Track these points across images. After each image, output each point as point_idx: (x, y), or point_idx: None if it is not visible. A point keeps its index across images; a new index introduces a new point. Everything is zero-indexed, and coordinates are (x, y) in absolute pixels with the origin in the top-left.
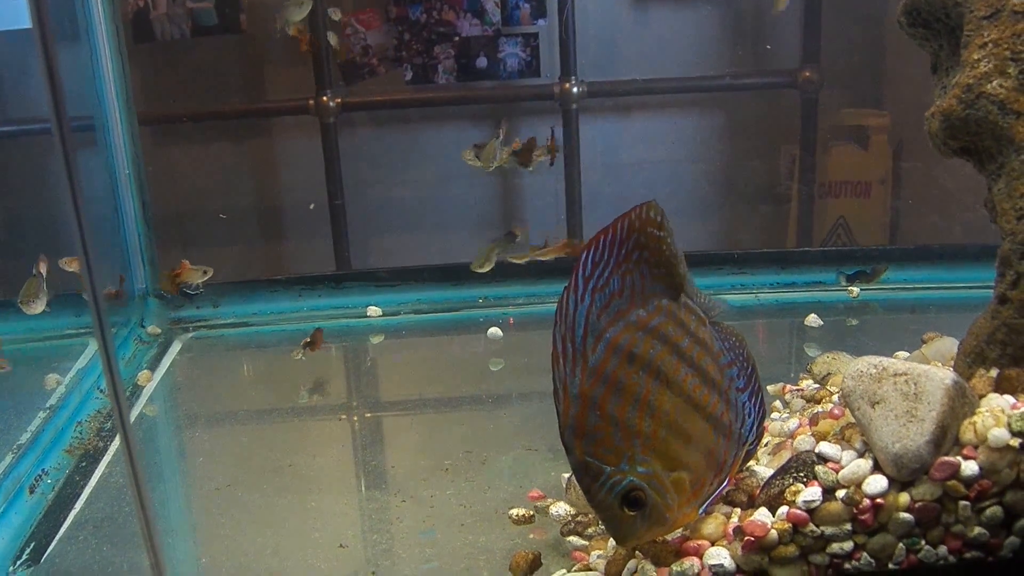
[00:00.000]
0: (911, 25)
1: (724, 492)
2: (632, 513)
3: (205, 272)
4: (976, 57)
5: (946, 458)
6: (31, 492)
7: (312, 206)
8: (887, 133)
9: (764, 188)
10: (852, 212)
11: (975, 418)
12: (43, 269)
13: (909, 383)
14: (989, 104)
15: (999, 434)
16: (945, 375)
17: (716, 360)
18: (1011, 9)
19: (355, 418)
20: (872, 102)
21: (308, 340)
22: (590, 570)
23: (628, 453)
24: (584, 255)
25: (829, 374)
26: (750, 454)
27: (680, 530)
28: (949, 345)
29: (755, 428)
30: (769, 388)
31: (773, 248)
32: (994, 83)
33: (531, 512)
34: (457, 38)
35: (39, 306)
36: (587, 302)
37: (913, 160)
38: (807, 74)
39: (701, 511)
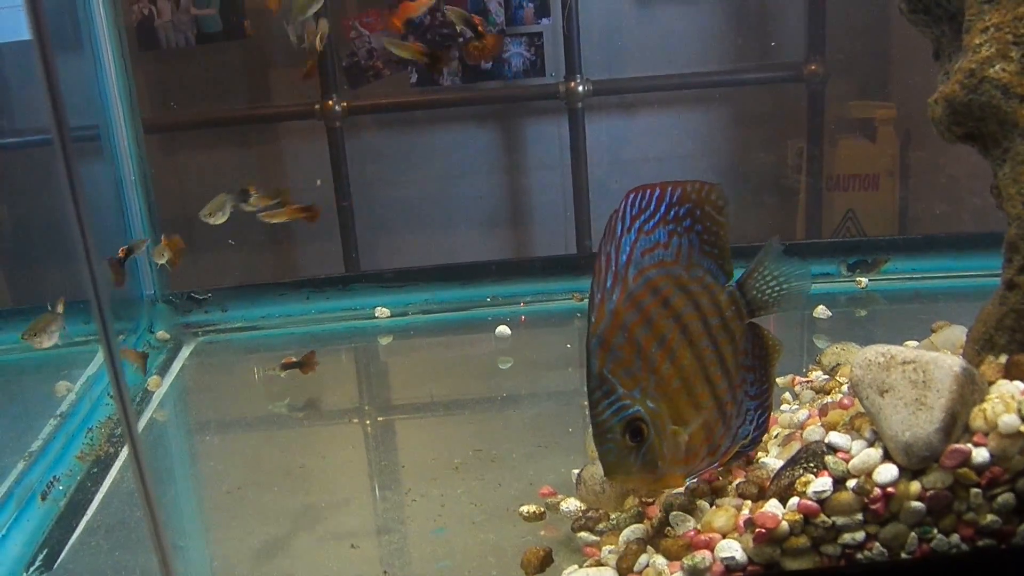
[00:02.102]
0: (912, 11)
1: (712, 474)
2: (631, 444)
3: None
4: (978, 42)
5: (956, 445)
6: (43, 499)
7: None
8: (894, 124)
9: (772, 182)
10: (861, 204)
11: (985, 405)
12: (60, 309)
13: (918, 371)
14: (992, 89)
15: (1009, 420)
16: (954, 362)
17: (737, 356)
18: None
19: (365, 419)
20: (878, 93)
21: (292, 360)
22: (602, 565)
23: (643, 385)
24: (629, 196)
25: (838, 365)
26: (742, 452)
27: (692, 524)
28: (958, 333)
29: (751, 434)
30: (779, 380)
31: (783, 240)
32: (997, 67)
33: (542, 509)
34: (461, 39)
35: (47, 341)
36: (632, 236)
37: (921, 150)
38: (813, 67)
39: (688, 481)
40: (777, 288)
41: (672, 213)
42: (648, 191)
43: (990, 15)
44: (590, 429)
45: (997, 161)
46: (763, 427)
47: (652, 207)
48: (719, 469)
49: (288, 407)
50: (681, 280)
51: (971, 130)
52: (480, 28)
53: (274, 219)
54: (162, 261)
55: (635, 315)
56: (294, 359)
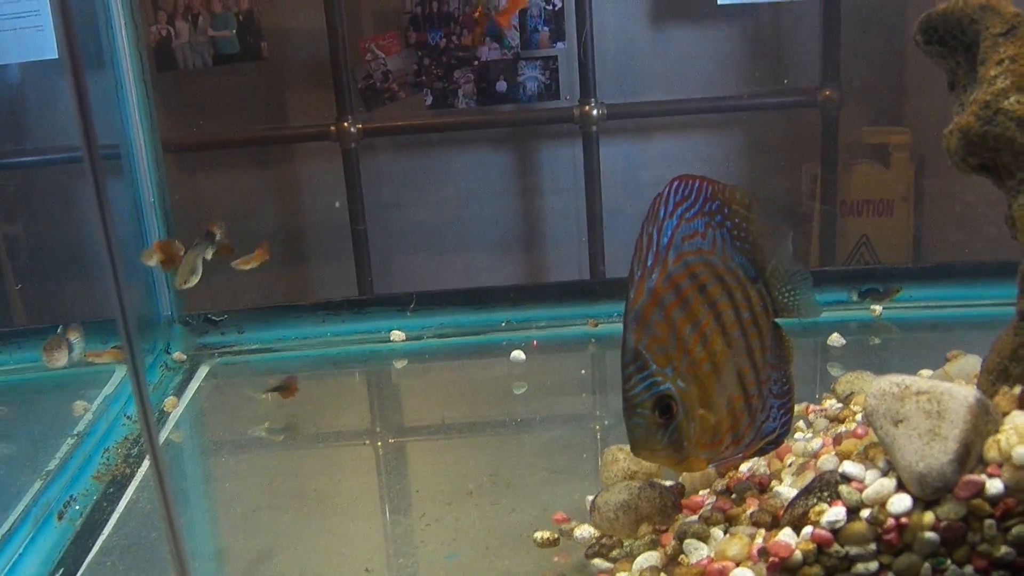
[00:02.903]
0: (927, 42)
1: (736, 462)
2: (659, 420)
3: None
4: (993, 74)
5: (970, 476)
6: (59, 518)
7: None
8: (909, 150)
9: (785, 207)
10: (875, 230)
11: (999, 436)
12: (72, 336)
13: (932, 401)
14: (1007, 120)
15: (1023, 452)
16: (968, 393)
17: (764, 352)
18: None
19: (379, 442)
20: (893, 119)
21: (278, 385)
22: None
23: (675, 364)
24: (673, 183)
25: (852, 393)
26: (766, 450)
27: (706, 552)
28: (973, 363)
29: (777, 430)
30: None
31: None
32: (1012, 99)
33: (556, 535)
34: (477, 62)
35: (61, 359)
36: (674, 222)
37: (936, 177)
38: (827, 92)
39: (710, 466)
40: (791, 293)
41: (707, 207)
42: (691, 181)
43: (1005, 47)
44: (604, 455)
45: (1012, 192)
46: (786, 426)
47: (693, 197)
48: (741, 459)
49: (303, 431)
50: (717, 270)
51: (985, 161)
52: None
53: (246, 266)
54: (151, 263)
55: (672, 296)
56: (276, 382)
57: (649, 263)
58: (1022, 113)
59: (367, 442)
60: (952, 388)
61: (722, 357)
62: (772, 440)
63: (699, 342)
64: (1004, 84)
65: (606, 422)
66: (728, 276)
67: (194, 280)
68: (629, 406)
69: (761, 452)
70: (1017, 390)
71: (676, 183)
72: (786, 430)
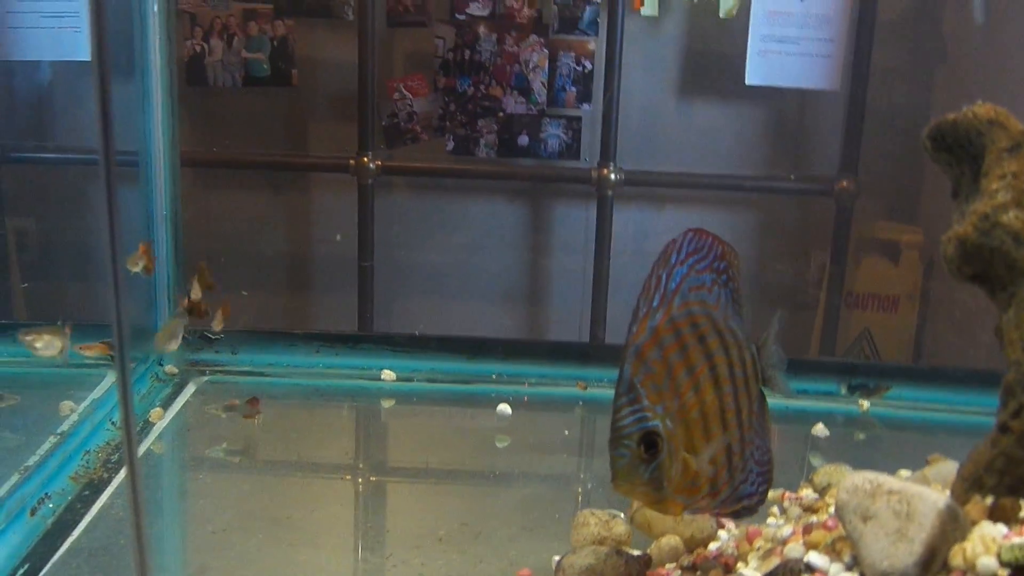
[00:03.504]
0: (936, 149)
1: (710, 516)
2: (644, 455)
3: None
4: (995, 187)
5: None
6: (32, 514)
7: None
8: (919, 250)
9: (790, 293)
10: (878, 325)
11: (966, 544)
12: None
13: (902, 502)
14: (1004, 234)
15: (987, 562)
16: (939, 498)
17: (751, 415)
18: None
19: (357, 478)
20: (907, 218)
21: (235, 403)
22: None
23: (666, 403)
24: (688, 234)
25: (829, 485)
26: (740, 515)
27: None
28: (952, 468)
29: (755, 494)
30: (769, 494)
31: (793, 355)
32: (1011, 214)
33: None
34: (501, 114)
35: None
36: (684, 270)
37: (942, 279)
38: (844, 183)
39: (685, 512)
40: (770, 369)
41: (717, 264)
42: (705, 236)
43: (1009, 163)
44: (576, 517)
45: (1003, 304)
46: (763, 495)
47: (705, 251)
48: (715, 514)
49: (283, 458)
50: (718, 325)
51: (980, 272)
52: None
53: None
54: (136, 269)
55: (673, 339)
56: (237, 402)
57: (655, 303)
58: (1019, 228)
59: (345, 476)
60: (924, 491)
61: (711, 407)
62: (748, 506)
63: (692, 388)
64: (1005, 198)
65: (585, 485)
66: (727, 334)
67: (173, 346)
68: (616, 437)
69: (736, 515)
70: (989, 500)
71: (691, 234)
72: (762, 499)
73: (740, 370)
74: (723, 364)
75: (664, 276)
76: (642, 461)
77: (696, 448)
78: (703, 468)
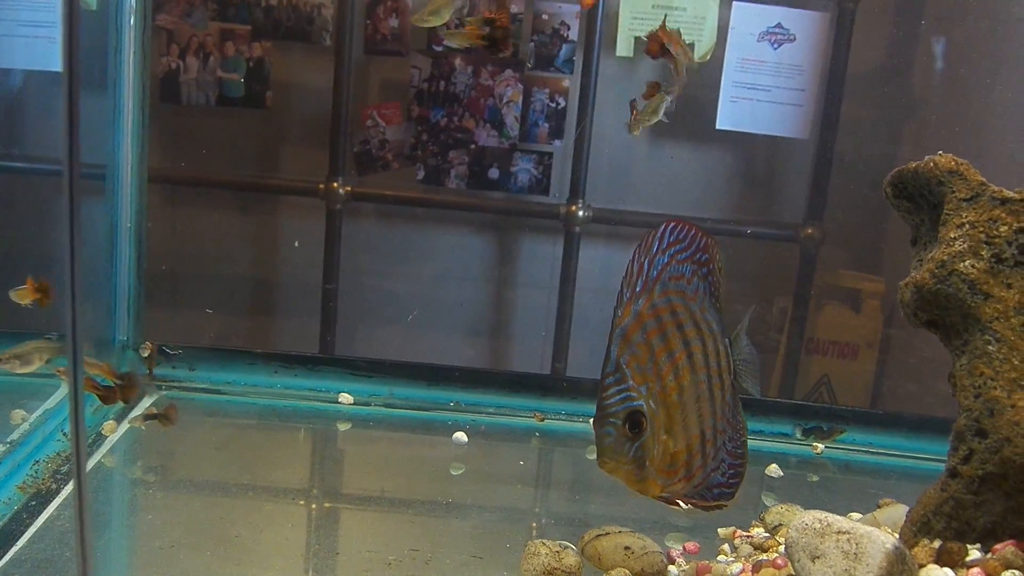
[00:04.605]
0: (896, 196)
1: (680, 503)
2: (629, 433)
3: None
4: (953, 235)
5: None
6: None
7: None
8: (881, 299)
9: (751, 336)
10: (837, 372)
11: None
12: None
13: (851, 542)
14: (960, 282)
15: None
16: (887, 539)
17: (724, 405)
18: (990, 195)
19: (310, 501)
20: (870, 267)
21: (155, 412)
22: None
23: (649, 385)
24: (669, 224)
25: (780, 525)
26: (711, 503)
27: None
28: (902, 512)
29: (723, 488)
30: (720, 531)
31: (748, 395)
32: (967, 263)
33: None
34: (473, 146)
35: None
36: (665, 259)
37: (902, 329)
38: (809, 231)
39: (660, 493)
40: (741, 365)
41: (698, 256)
42: (687, 228)
43: (967, 212)
44: (527, 547)
45: (956, 351)
46: (734, 488)
47: (687, 243)
48: (687, 501)
49: (236, 476)
50: (695, 316)
51: (935, 318)
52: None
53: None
54: (26, 302)
55: (654, 323)
56: (155, 411)
57: (638, 288)
58: (975, 277)
59: (297, 498)
60: (872, 532)
61: (689, 392)
62: (720, 497)
63: (672, 372)
64: (961, 247)
65: (538, 515)
66: (703, 325)
67: (23, 368)
68: (602, 415)
69: (708, 508)
70: (936, 544)
71: (673, 224)
72: (733, 491)
73: (715, 361)
74: (699, 353)
75: (646, 263)
76: (628, 440)
77: (675, 430)
78: (680, 451)
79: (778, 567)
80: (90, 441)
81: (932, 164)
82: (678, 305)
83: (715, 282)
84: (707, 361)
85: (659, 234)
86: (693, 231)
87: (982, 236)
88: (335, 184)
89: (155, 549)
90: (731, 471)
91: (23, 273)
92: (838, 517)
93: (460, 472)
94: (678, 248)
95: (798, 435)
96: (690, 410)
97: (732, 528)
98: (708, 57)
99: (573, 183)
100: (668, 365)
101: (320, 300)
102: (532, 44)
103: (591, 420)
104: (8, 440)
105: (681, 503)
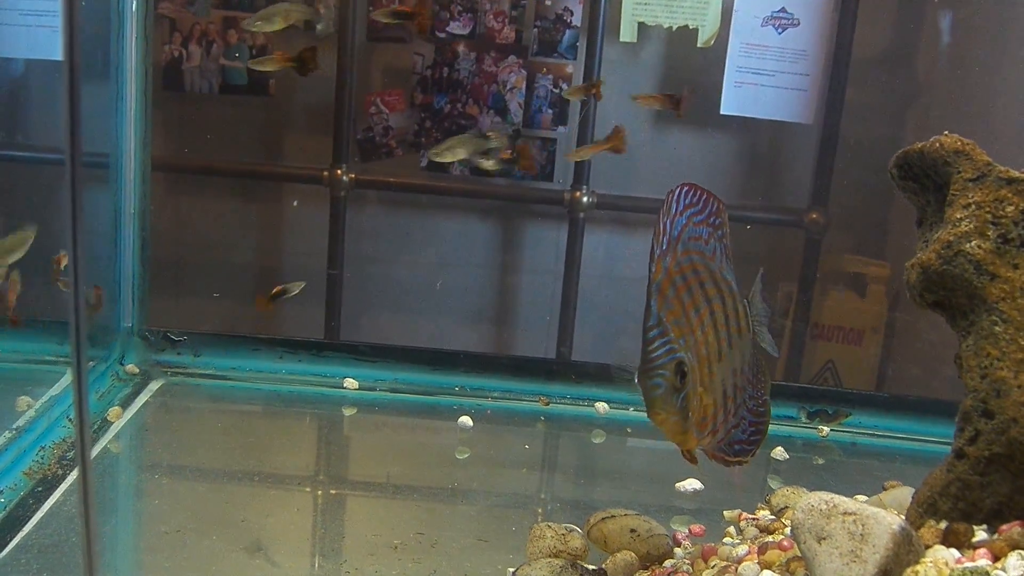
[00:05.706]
0: (903, 178)
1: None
2: (678, 384)
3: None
4: (959, 216)
5: None
6: None
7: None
8: (886, 283)
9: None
10: (842, 357)
11: (918, 567)
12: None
13: (857, 523)
14: (966, 263)
15: None
16: (893, 520)
17: (744, 363)
18: (996, 175)
19: (316, 486)
20: (875, 252)
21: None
22: None
23: (686, 338)
24: (682, 187)
25: (786, 507)
26: (733, 459)
27: None
28: (908, 495)
29: (743, 444)
30: (726, 514)
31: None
32: (973, 243)
33: None
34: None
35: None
36: (683, 220)
37: (907, 313)
38: (814, 216)
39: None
40: (758, 322)
41: (713, 220)
42: (700, 191)
43: (973, 193)
44: (533, 530)
45: (962, 333)
46: (754, 443)
47: (701, 205)
48: (715, 455)
49: (241, 462)
50: (715, 275)
51: (941, 299)
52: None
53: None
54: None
55: (681, 280)
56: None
57: (665, 246)
58: (981, 257)
59: (303, 484)
60: (879, 513)
61: (713, 348)
62: (741, 453)
63: (700, 326)
64: (968, 227)
65: (543, 498)
66: (723, 284)
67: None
68: (650, 367)
69: (728, 464)
70: (943, 525)
71: (686, 188)
72: (753, 448)
73: (734, 320)
74: (720, 311)
75: (668, 224)
76: (676, 390)
77: (707, 383)
78: (710, 404)
79: (784, 549)
80: (95, 427)
81: (938, 144)
82: (699, 264)
83: (727, 246)
84: (727, 319)
85: (675, 196)
86: (706, 195)
87: (988, 216)
88: (339, 171)
89: (161, 534)
90: (752, 428)
91: (29, 261)
92: (844, 498)
93: (465, 456)
94: (695, 211)
95: (803, 418)
96: (715, 364)
97: (738, 511)
98: (712, 42)
99: (577, 169)
100: (697, 320)
101: (325, 286)
102: (535, 30)
103: (635, 374)
104: (14, 427)
105: (712, 457)
